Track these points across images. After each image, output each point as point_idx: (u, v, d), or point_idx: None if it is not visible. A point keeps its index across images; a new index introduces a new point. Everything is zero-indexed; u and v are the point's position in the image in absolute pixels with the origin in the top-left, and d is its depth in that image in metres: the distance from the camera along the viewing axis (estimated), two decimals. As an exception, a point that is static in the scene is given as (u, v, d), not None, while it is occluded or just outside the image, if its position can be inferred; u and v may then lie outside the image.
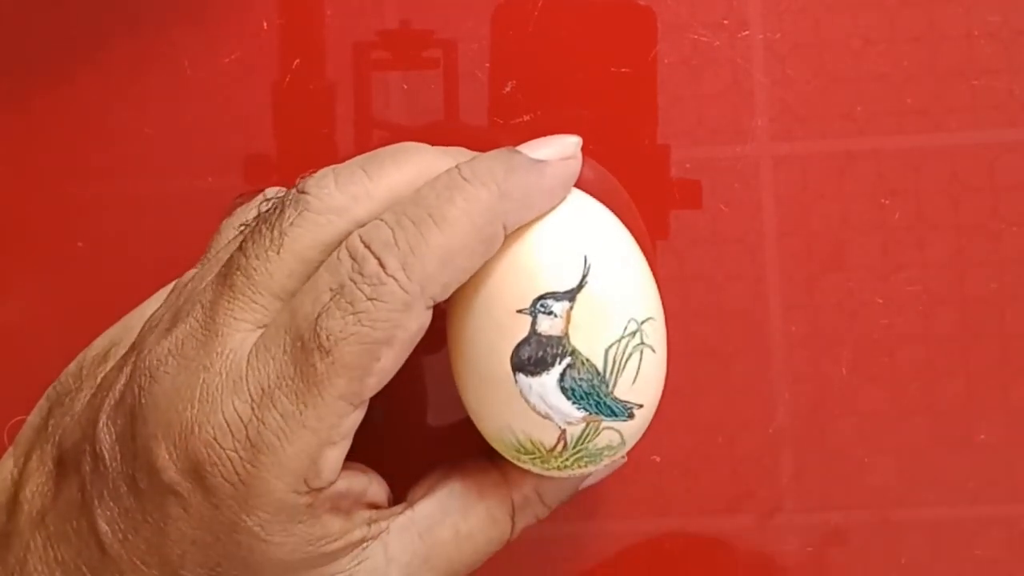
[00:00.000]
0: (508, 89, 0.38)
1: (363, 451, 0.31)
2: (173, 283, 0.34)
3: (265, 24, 0.39)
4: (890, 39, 0.38)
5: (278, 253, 0.30)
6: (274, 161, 0.38)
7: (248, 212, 0.33)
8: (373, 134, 0.38)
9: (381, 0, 0.38)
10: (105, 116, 0.39)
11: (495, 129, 0.38)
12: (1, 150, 0.39)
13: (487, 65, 0.38)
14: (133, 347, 0.32)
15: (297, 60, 0.38)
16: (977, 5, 0.37)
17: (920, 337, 0.38)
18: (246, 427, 0.29)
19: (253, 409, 0.29)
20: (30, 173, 0.39)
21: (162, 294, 0.34)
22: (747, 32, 0.38)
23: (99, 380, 0.32)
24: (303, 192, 0.30)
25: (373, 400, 0.30)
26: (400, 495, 0.33)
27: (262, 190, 0.34)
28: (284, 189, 0.34)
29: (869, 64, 0.38)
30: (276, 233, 0.30)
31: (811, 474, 0.38)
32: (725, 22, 0.38)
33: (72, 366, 0.34)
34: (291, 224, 0.30)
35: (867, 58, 0.38)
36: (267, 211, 0.31)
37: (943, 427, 0.38)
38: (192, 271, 0.33)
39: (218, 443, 0.29)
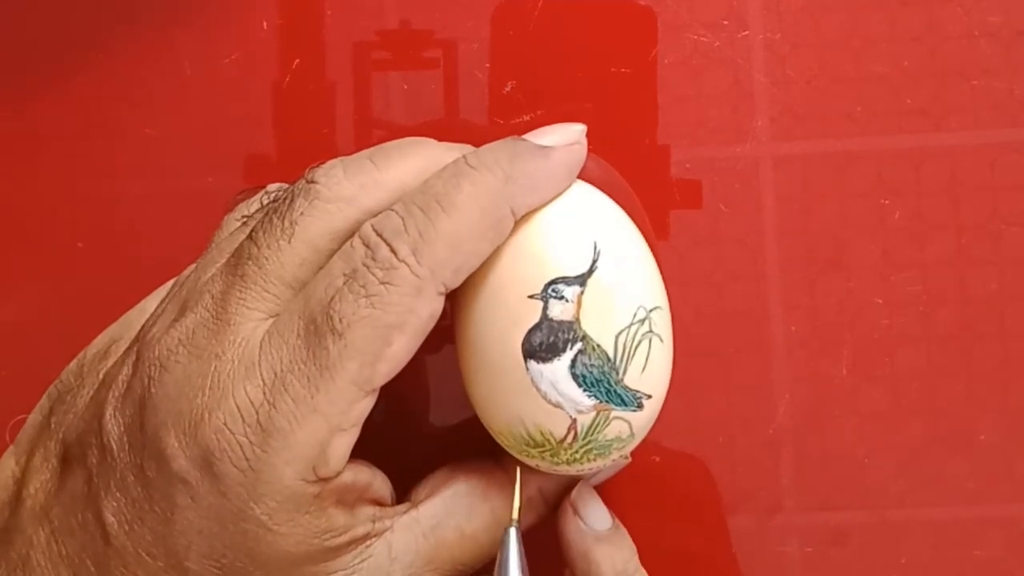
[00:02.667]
0: (508, 89, 0.38)
1: (367, 450, 0.31)
2: (173, 280, 0.34)
3: (265, 24, 0.39)
4: (890, 39, 0.38)
5: (289, 242, 0.30)
6: (274, 161, 0.38)
7: (250, 207, 0.34)
8: (373, 134, 0.38)
9: (381, 0, 0.38)
10: (105, 116, 0.39)
11: (495, 129, 0.38)
12: (1, 150, 0.39)
13: (487, 65, 0.38)
14: (136, 340, 0.32)
15: (297, 60, 0.38)
16: (977, 5, 0.38)
17: (920, 337, 0.38)
18: (257, 412, 0.29)
19: (265, 393, 0.29)
20: (30, 173, 0.39)
21: (161, 292, 0.34)
22: (747, 32, 0.38)
23: (101, 376, 0.32)
24: (312, 182, 0.31)
25: (377, 399, 0.30)
26: (404, 495, 0.33)
27: (264, 186, 0.34)
28: (287, 185, 0.34)
29: (869, 64, 0.38)
30: (287, 222, 0.30)
31: (811, 474, 0.38)
32: (725, 22, 0.38)
33: (73, 364, 0.34)
34: (301, 213, 0.30)
35: (867, 58, 0.38)
36: (276, 201, 0.31)
37: (943, 427, 0.38)
38: (193, 266, 0.33)
39: (228, 429, 0.29)
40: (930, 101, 0.38)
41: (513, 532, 0.32)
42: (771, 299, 0.38)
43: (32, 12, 0.39)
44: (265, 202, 0.33)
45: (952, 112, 0.38)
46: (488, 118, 0.38)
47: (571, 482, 0.34)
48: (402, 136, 0.34)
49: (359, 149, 0.37)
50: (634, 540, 0.35)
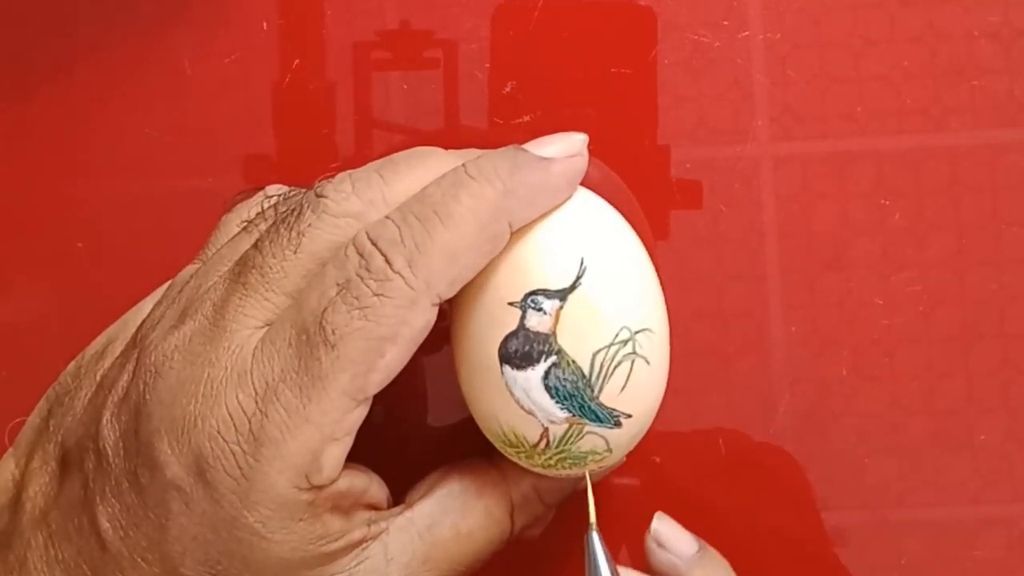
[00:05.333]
0: (508, 89, 0.38)
1: (363, 452, 0.31)
2: (169, 282, 0.34)
3: (265, 24, 0.39)
4: (890, 39, 0.38)
5: (295, 253, 0.30)
6: (274, 161, 0.38)
7: (250, 208, 0.33)
8: (373, 134, 0.38)
9: (381, 0, 0.38)
10: (105, 116, 0.39)
11: (495, 129, 0.38)
12: (1, 150, 0.39)
13: (487, 65, 0.38)
14: (133, 343, 0.32)
15: (297, 60, 0.38)
16: (977, 5, 0.37)
17: (920, 337, 0.38)
18: (249, 420, 0.29)
19: (257, 402, 0.29)
20: (30, 173, 0.39)
21: (159, 293, 0.34)
22: (747, 32, 0.38)
23: (99, 378, 0.32)
24: (321, 196, 0.31)
25: (373, 400, 0.30)
26: (399, 496, 0.33)
27: (263, 187, 0.34)
28: (285, 187, 0.34)
29: (869, 64, 0.38)
30: (294, 234, 0.30)
31: (811, 474, 0.38)
32: (725, 22, 0.38)
33: (71, 366, 0.34)
34: (309, 225, 0.30)
35: (867, 58, 0.38)
36: (285, 212, 0.31)
37: (943, 427, 0.38)
38: (191, 267, 0.33)
39: (221, 436, 0.29)
40: (930, 101, 0.38)
41: (595, 535, 0.31)
42: (771, 299, 0.38)
43: (32, 12, 0.39)
44: (265, 205, 0.33)
45: (952, 112, 0.38)
46: (488, 118, 0.38)
47: (567, 483, 0.34)
48: (402, 136, 0.34)
49: (359, 149, 0.37)
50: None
